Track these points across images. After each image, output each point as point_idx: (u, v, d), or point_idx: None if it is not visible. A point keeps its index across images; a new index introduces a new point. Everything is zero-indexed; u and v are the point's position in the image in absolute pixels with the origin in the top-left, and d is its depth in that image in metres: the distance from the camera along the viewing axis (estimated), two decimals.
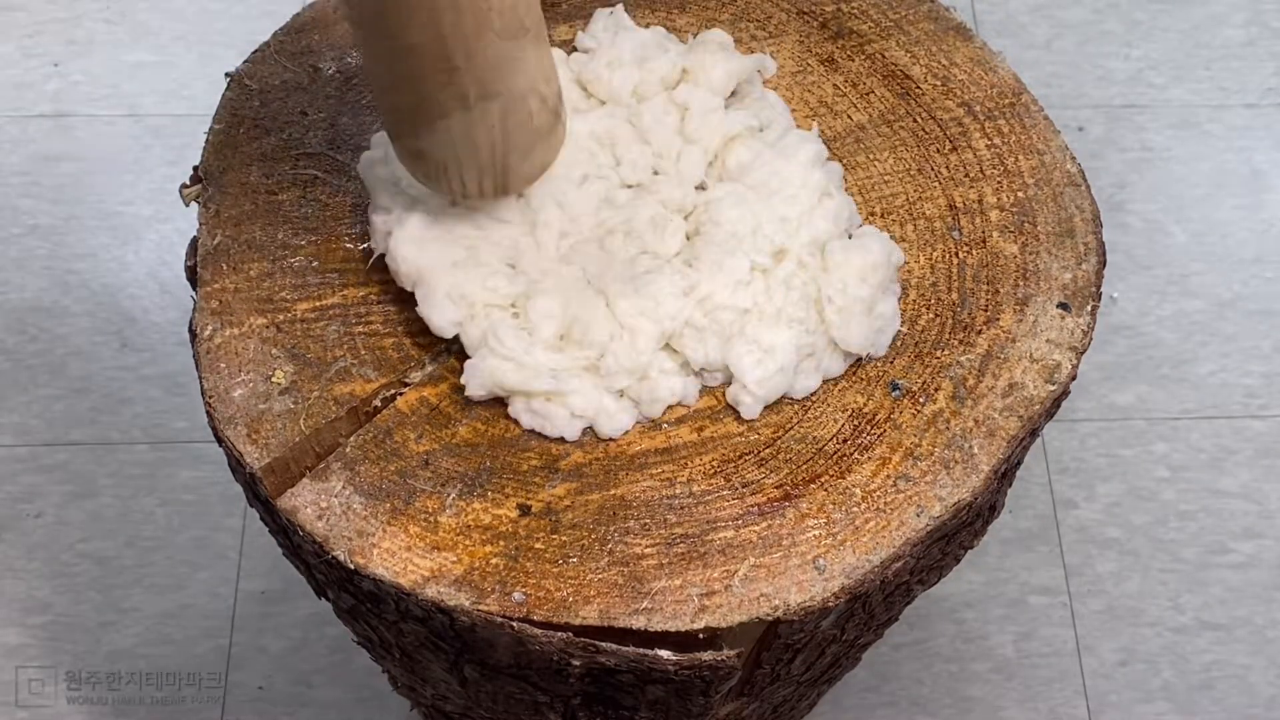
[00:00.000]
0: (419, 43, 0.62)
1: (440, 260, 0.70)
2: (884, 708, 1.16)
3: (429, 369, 0.70)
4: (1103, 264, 0.74)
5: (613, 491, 0.66)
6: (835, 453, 0.68)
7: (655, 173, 0.74)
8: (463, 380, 0.68)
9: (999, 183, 0.77)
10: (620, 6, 0.80)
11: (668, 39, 0.78)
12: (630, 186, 0.73)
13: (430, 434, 0.68)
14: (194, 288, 0.72)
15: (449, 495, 0.66)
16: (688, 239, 0.72)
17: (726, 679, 0.66)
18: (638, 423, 0.68)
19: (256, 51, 0.81)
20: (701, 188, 0.74)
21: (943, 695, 1.16)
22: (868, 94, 0.80)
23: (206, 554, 1.20)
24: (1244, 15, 1.57)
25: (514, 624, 0.62)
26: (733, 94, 0.78)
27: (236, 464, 0.67)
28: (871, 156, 0.78)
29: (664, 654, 0.62)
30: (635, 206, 0.72)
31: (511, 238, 0.71)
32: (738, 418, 0.69)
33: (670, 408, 0.69)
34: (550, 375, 0.67)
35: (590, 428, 0.68)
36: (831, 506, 0.66)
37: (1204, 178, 1.45)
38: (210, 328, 0.70)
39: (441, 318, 0.69)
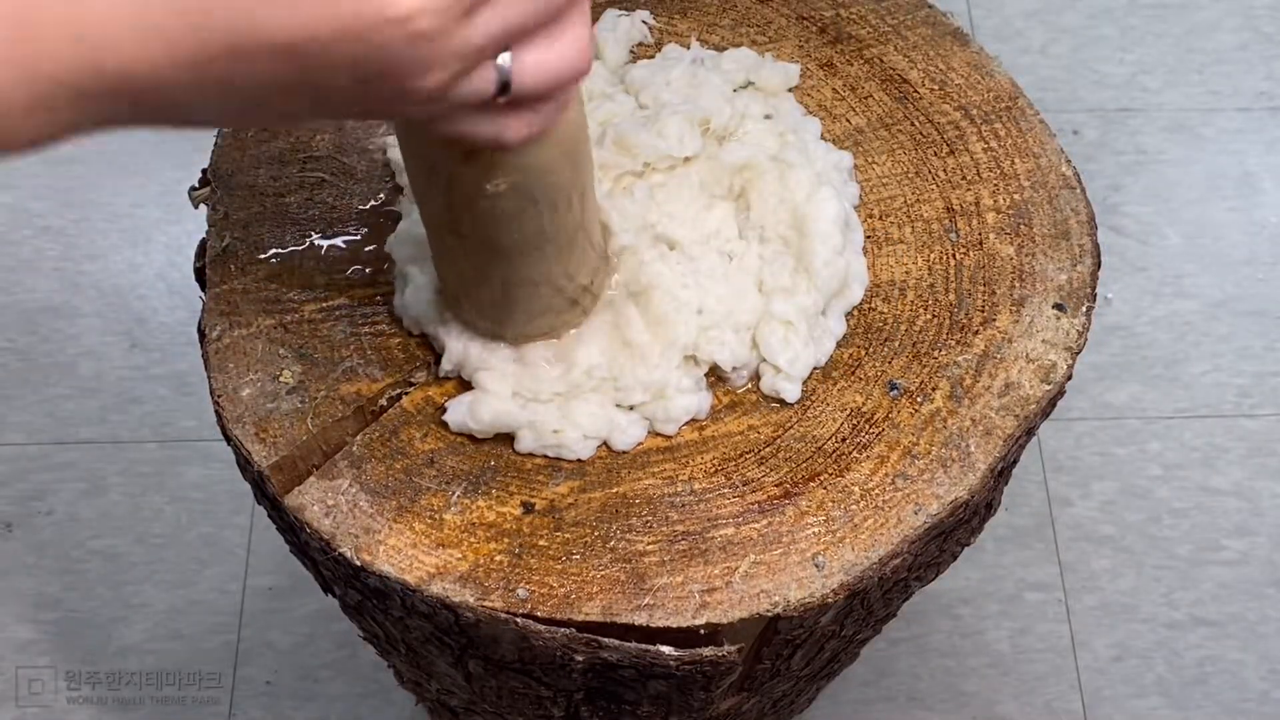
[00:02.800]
0: (430, 204, 0.62)
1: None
2: (881, 702, 1.17)
3: (434, 369, 0.70)
4: (1097, 265, 0.74)
5: (615, 489, 0.67)
6: (834, 451, 0.68)
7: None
8: (448, 417, 0.68)
9: (995, 185, 0.77)
10: (640, 15, 0.81)
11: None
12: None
13: (435, 433, 0.68)
14: (202, 289, 0.73)
15: (454, 493, 0.66)
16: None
17: (727, 674, 0.66)
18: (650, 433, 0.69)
19: None
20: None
21: (939, 690, 1.17)
22: (866, 98, 0.81)
23: (215, 551, 1.21)
24: (1236, 20, 1.57)
25: (518, 620, 0.62)
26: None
27: (244, 462, 0.68)
28: (870, 159, 0.78)
29: (665, 650, 0.63)
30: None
31: None
32: (738, 417, 0.70)
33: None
34: (558, 412, 0.67)
35: (605, 443, 0.68)
36: (831, 504, 0.66)
37: (1197, 180, 1.45)
38: (219, 328, 0.70)
39: (425, 305, 0.69)
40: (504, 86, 0.48)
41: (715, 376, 0.70)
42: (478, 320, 0.68)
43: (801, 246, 0.71)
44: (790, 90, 0.80)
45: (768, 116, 0.77)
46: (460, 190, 0.59)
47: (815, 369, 0.71)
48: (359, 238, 0.75)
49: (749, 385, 0.71)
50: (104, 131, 0.46)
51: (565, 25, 0.49)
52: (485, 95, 0.48)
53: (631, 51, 0.81)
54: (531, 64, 0.48)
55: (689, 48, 0.80)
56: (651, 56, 0.80)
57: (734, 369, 0.69)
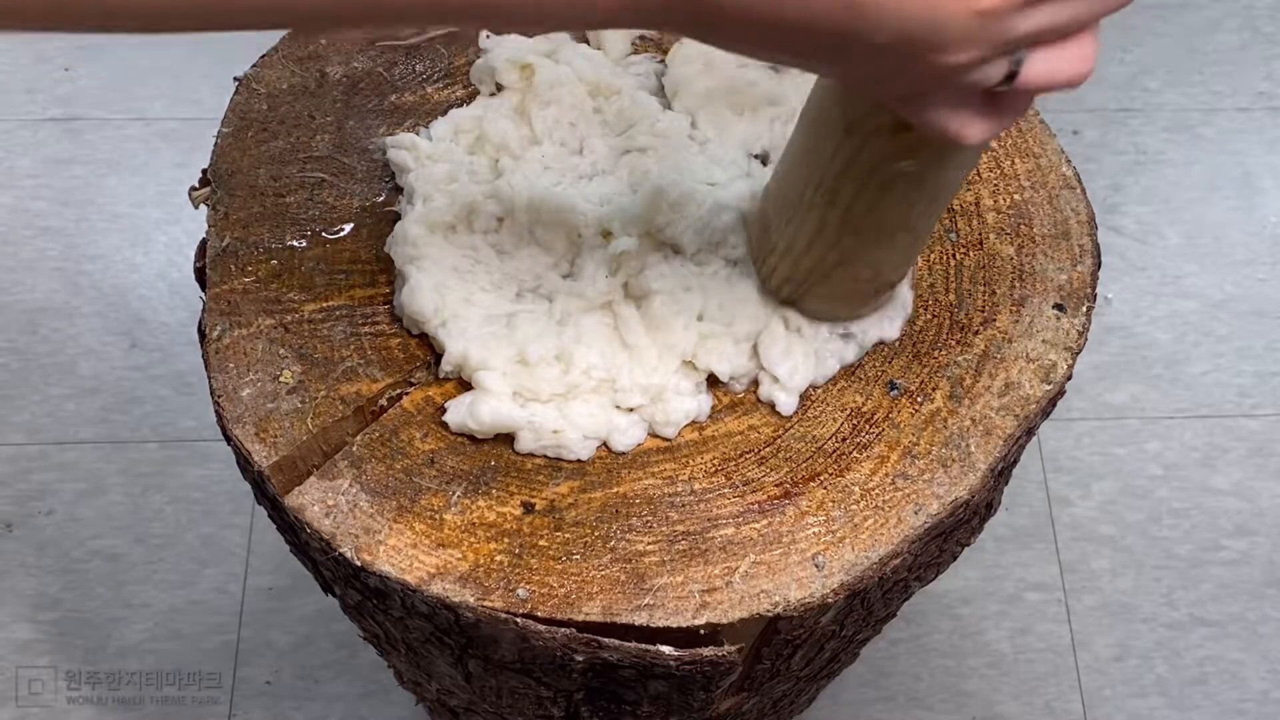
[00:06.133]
0: (815, 162, 0.63)
1: (444, 256, 0.71)
2: (881, 702, 1.17)
3: (434, 369, 0.70)
4: (1097, 265, 0.74)
5: (615, 489, 0.67)
6: (834, 451, 0.68)
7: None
8: (448, 418, 0.68)
9: (995, 185, 0.77)
10: None
11: None
12: None
13: (435, 433, 0.68)
14: (203, 289, 0.73)
15: (454, 493, 0.66)
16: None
17: (727, 674, 0.66)
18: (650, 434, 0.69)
19: (264, 56, 0.81)
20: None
21: (939, 690, 1.17)
22: None
23: (215, 551, 1.21)
24: (1237, 21, 1.57)
25: (518, 620, 0.62)
26: None
27: (245, 462, 0.68)
28: None
29: (665, 650, 0.63)
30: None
31: (534, 272, 0.71)
32: (738, 417, 0.70)
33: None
34: (558, 412, 0.67)
35: (604, 443, 0.68)
36: (831, 504, 0.66)
37: (1197, 180, 1.46)
38: (219, 328, 0.70)
39: (423, 304, 0.69)
40: (1009, 78, 0.50)
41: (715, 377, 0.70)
42: (776, 284, 0.69)
43: None
44: None
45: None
46: (866, 160, 0.60)
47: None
48: (359, 238, 0.75)
49: (749, 388, 0.71)
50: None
51: (1082, 34, 0.50)
52: (989, 83, 0.50)
53: (633, 44, 0.81)
54: (1041, 62, 0.50)
55: None
56: (658, 50, 0.80)
57: (731, 378, 0.69)
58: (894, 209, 0.62)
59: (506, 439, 0.68)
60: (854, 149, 0.60)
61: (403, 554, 0.64)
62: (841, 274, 0.67)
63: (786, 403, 0.69)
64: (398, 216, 0.74)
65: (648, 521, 0.66)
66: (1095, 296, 0.74)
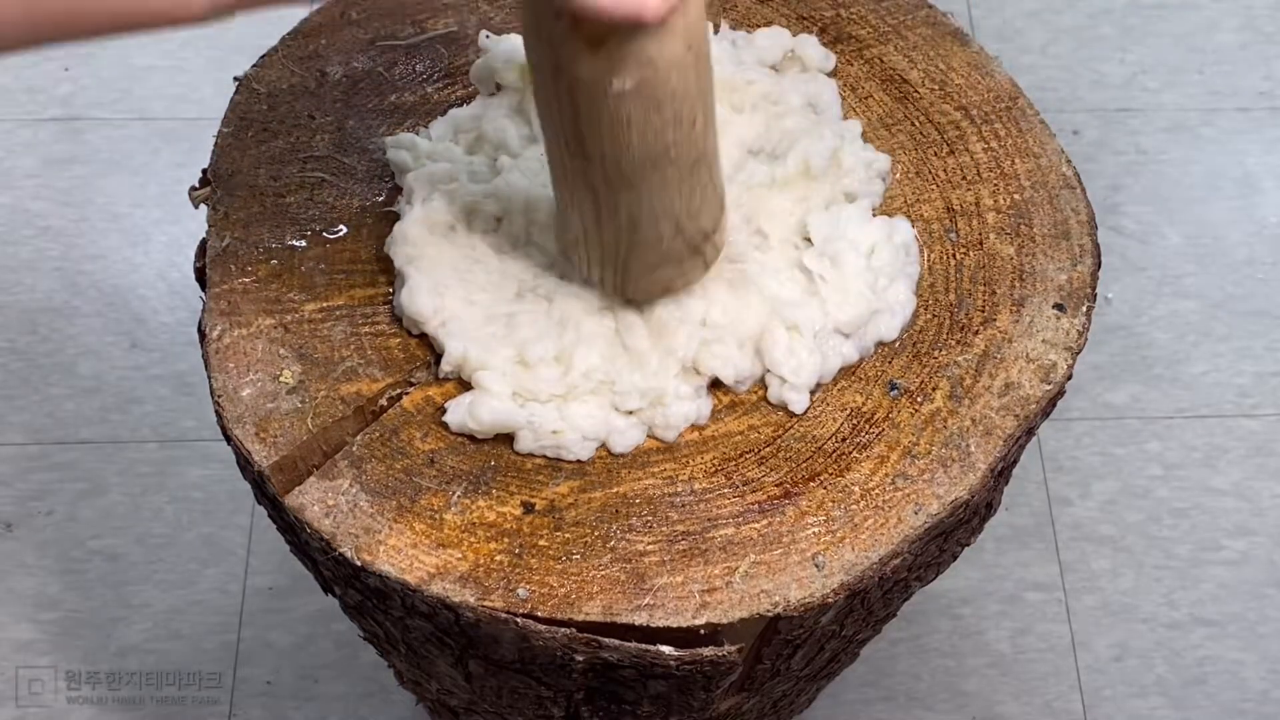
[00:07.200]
0: (555, 123, 0.62)
1: (443, 256, 0.71)
2: (881, 702, 1.17)
3: (434, 369, 0.70)
4: (1097, 265, 0.74)
5: (615, 489, 0.67)
6: (834, 451, 0.68)
7: None
8: (448, 418, 0.68)
9: (996, 185, 0.77)
10: None
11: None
12: None
13: (435, 433, 0.68)
14: (203, 289, 0.73)
15: (454, 493, 0.66)
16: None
17: (727, 674, 0.66)
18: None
19: (264, 56, 0.81)
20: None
21: (939, 690, 1.17)
22: (866, 98, 0.81)
23: (215, 551, 1.21)
24: (1237, 20, 1.58)
25: (518, 620, 0.63)
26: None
27: (245, 462, 0.68)
28: None
29: (666, 650, 0.63)
30: None
31: (533, 272, 0.71)
32: (738, 417, 0.70)
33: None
34: (557, 413, 0.67)
35: (603, 445, 0.68)
36: (831, 504, 0.66)
37: (1197, 180, 1.46)
38: (219, 328, 0.70)
39: (423, 304, 0.69)
40: None
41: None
42: (600, 274, 0.68)
43: (819, 266, 0.71)
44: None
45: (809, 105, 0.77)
46: (585, 94, 0.58)
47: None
48: (359, 238, 0.75)
49: (751, 388, 0.71)
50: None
51: None
52: None
53: None
54: None
55: (716, 31, 0.80)
56: None
57: (736, 381, 0.69)
58: (647, 138, 0.60)
59: (506, 439, 0.68)
60: (570, 88, 0.59)
61: (403, 554, 0.64)
62: (644, 236, 0.65)
63: (798, 401, 0.69)
64: (398, 216, 0.74)
65: (648, 521, 0.66)
66: (1095, 296, 0.74)
